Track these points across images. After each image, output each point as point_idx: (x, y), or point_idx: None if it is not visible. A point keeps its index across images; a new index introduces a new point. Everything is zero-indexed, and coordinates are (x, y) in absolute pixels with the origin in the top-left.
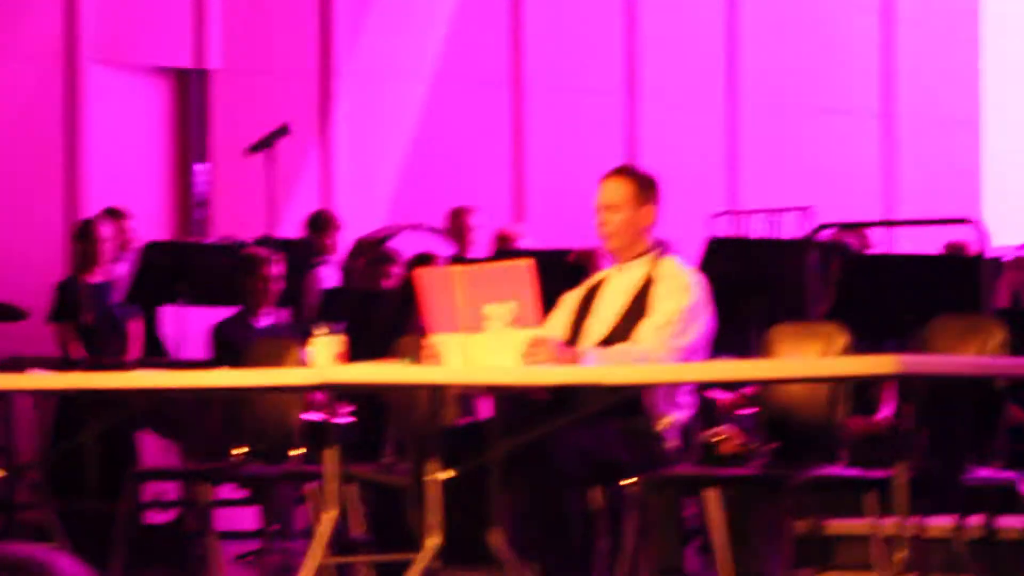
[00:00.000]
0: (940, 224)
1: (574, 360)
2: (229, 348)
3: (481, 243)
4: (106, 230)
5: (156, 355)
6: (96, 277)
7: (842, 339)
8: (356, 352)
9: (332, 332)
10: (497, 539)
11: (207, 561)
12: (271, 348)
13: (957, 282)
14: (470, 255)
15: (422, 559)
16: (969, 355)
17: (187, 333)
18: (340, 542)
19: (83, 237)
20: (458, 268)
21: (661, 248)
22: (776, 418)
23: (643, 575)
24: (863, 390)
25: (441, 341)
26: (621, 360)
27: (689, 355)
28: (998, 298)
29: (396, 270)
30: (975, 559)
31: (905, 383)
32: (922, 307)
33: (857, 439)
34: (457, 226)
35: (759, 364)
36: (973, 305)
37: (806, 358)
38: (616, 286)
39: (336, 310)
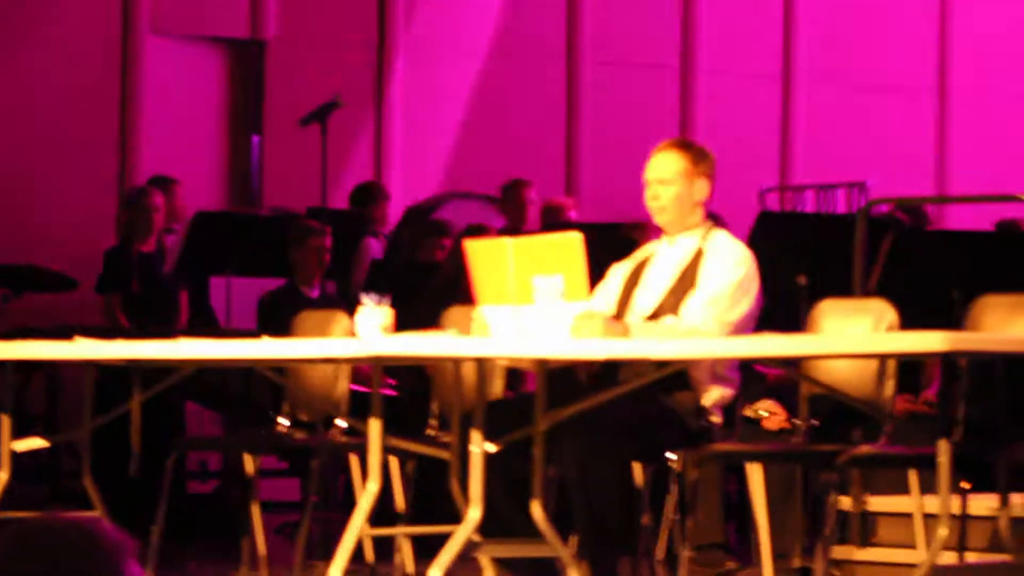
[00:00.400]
0: (993, 201)
1: (622, 334)
2: (277, 319)
3: (532, 216)
4: (156, 199)
5: (205, 325)
6: (146, 246)
7: (890, 315)
8: (403, 323)
9: (379, 303)
10: (538, 512)
11: (248, 531)
12: (319, 319)
13: (1008, 259)
14: (525, 229)
15: (463, 532)
16: (1017, 333)
17: (236, 303)
18: (382, 514)
19: (133, 205)
20: (509, 239)
21: (712, 222)
22: (821, 394)
23: (685, 550)
24: (911, 367)
25: (489, 312)
26: (668, 335)
27: (736, 331)
28: None
29: (446, 241)
30: (1018, 538)
31: (951, 361)
32: (972, 284)
33: (902, 416)
34: (512, 199)
35: (806, 340)
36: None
37: (854, 334)
38: (666, 259)
39: (384, 281)
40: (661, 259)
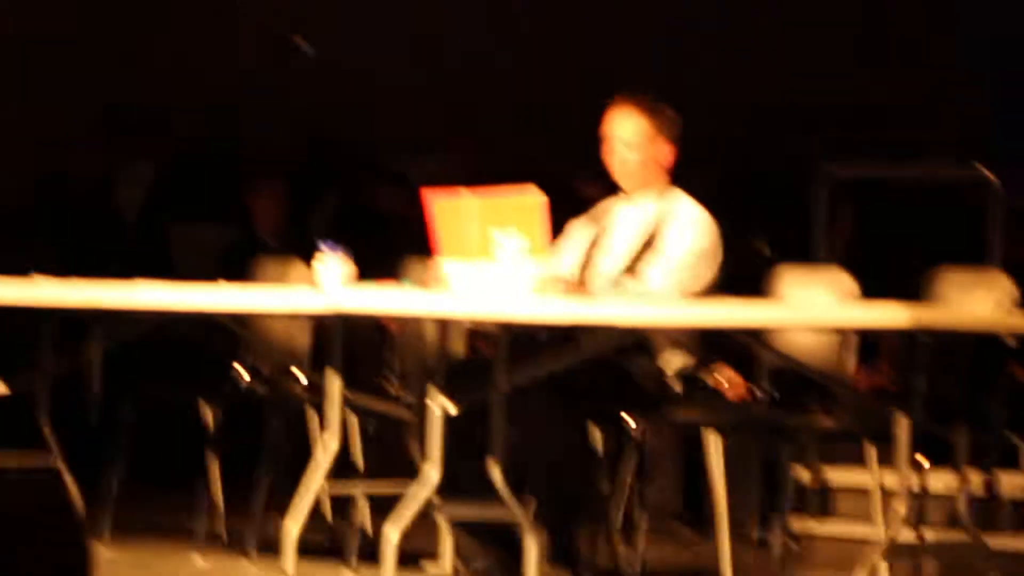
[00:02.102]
0: (957, 174)
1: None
2: (237, 266)
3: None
4: None
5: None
6: None
7: (850, 284)
8: (359, 273)
9: (337, 251)
10: (496, 475)
11: (207, 480)
12: (278, 267)
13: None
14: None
15: (421, 490)
16: (978, 309)
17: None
18: (339, 469)
19: None
20: (472, 197)
21: (670, 184)
22: (781, 364)
23: (643, 519)
24: (867, 339)
25: (450, 267)
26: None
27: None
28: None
29: (401, 191)
30: (975, 516)
31: (909, 335)
32: (932, 255)
33: (862, 390)
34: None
35: (771, 309)
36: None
37: (819, 304)
38: (627, 220)
39: (340, 230)
40: (622, 219)
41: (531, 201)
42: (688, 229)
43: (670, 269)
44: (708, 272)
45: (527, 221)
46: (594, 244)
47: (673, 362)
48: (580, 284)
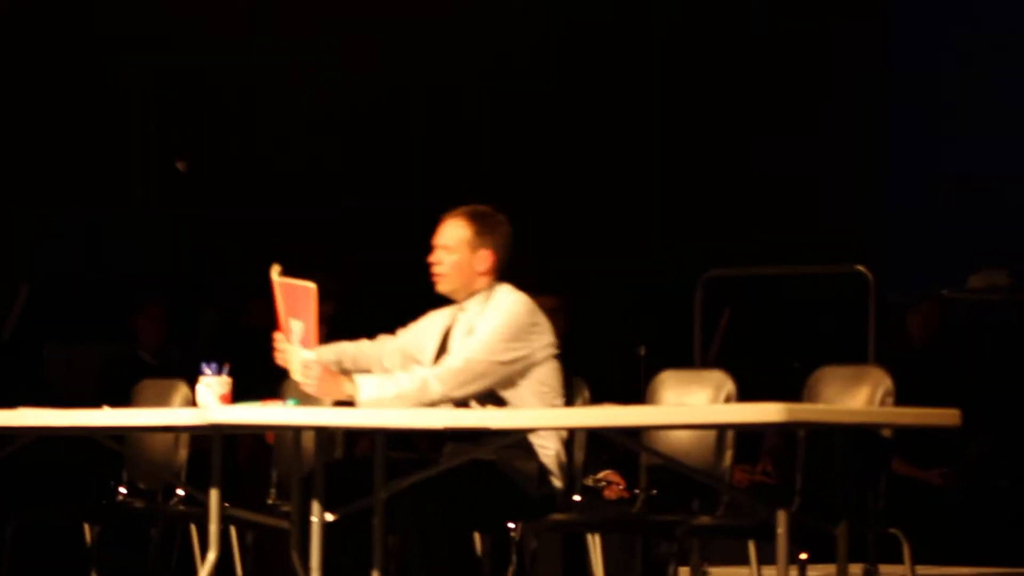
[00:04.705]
0: (828, 272)
1: (338, 387)
2: (117, 386)
3: None
4: None
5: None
6: None
7: (728, 386)
8: (242, 392)
9: (219, 372)
10: None
11: None
12: (159, 387)
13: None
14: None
15: None
16: (853, 405)
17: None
18: None
19: None
20: (276, 280)
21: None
22: (660, 464)
23: None
24: (750, 438)
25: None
26: (402, 391)
27: (502, 373)
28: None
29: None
30: None
31: (789, 432)
32: (810, 355)
33: (741, 487)
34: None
35: (646, 411)
36: (861, 354)
37: (693, 405)
38: (460, 325)
39: (224, 348)
40: (457, 326)
41: (305, 288)
42: (498, 310)
43: (477, 339)
44: (530, 341)
45: (303, 306)
46: (443, 350)
47: (550, 452)
48: (337, 375)
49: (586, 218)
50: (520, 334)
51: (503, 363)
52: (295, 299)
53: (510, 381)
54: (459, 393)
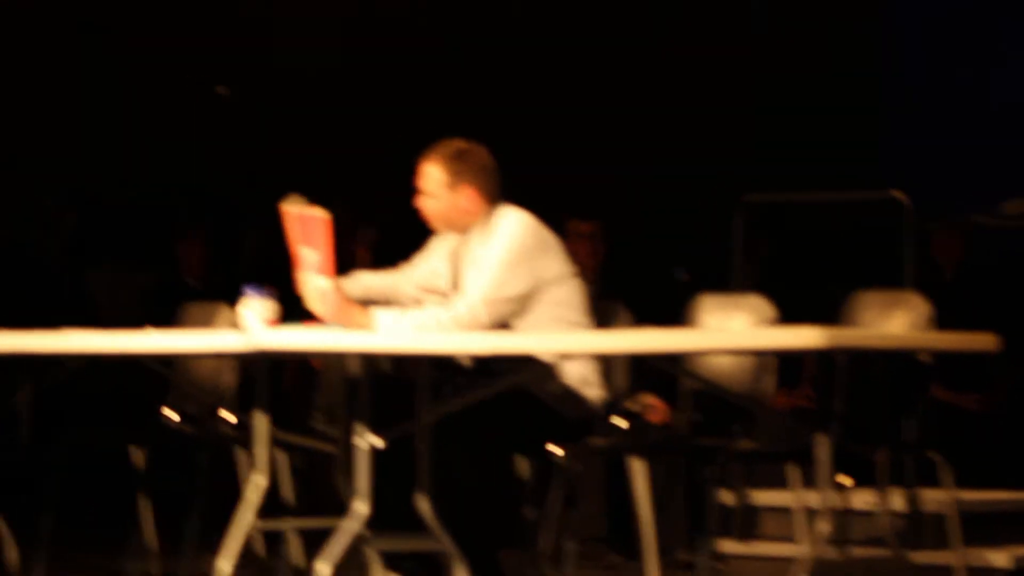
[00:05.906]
0: (865, 199)
1: (355, 318)
2: (162, 310)
3: None
4: None
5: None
6: None
7: (768, 311)
8: (287, 315)
9: (262, 294)
10: (424, 507)
11: (138, 521)
12: (203, 310)
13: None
14: None
15: (350, 525)
16: (893, 329)
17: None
18: (269, 507)
19: None
20: (288, 209)
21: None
22: (700, 388)
23: (570, 542)
24: (791, 362)
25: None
26: (422, 324)
27: (516, 305)
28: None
29: None
30: (898, 533)
31: (828, 356)
32: (848, 281)
33: (782, 411)
34: None
35: (687, 335)
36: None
37: (733, 329)
38: (469, 252)
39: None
40: (465, 254)
41: (317, 217)
42: (501, 237)
43: (478, 285)
44: (539, 267)
45: (316, 235)
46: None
47: (573, 374)
48: (355, 306)
49: (622, 142)
50: (525, 260)
51: (511, 299)
52: (307, 228)
53: (523, 308)
54: (477, 331)
